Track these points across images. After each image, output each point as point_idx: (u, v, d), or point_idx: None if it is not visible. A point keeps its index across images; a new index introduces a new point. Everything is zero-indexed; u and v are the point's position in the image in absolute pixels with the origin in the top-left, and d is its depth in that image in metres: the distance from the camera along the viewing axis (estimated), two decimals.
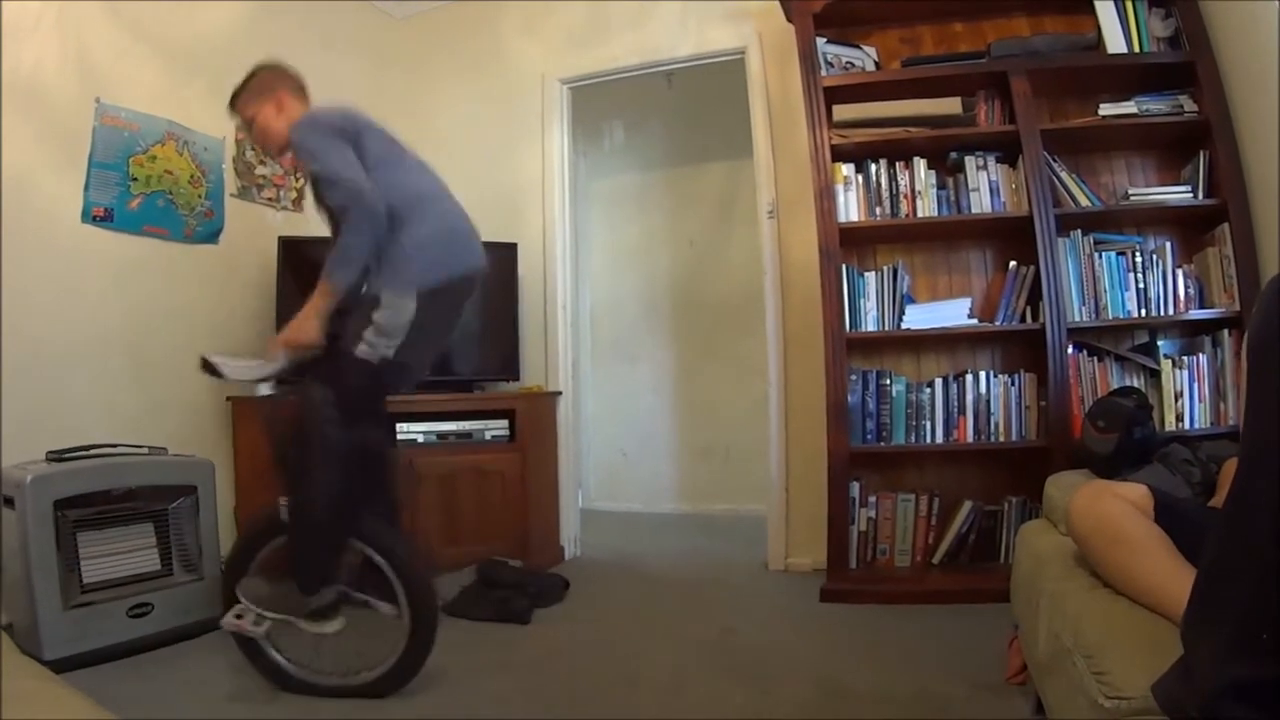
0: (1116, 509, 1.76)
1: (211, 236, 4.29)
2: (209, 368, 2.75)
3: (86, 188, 3.73)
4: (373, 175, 2.68)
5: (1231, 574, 1.12)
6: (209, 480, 3.59)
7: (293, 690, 2.76)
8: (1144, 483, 1.91)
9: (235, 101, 3.02)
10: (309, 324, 2.67)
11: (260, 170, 4.56)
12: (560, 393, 4.96)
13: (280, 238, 4.41)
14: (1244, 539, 1.10)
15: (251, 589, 2.66)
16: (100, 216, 3.77)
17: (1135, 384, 3.61)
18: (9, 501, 3.05)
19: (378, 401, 2.91)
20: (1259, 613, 1.04)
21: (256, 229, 4.52)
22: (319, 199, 2.87)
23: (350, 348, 2.64)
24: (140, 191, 3.92)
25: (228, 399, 4.31)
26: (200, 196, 4.22)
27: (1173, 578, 1.50)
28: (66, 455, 3.22)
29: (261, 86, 2.97)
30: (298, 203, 4.81)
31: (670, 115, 6.48)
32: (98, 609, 3.14)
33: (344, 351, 2.66)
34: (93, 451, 3.31)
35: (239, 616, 2.65)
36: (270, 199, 4.64)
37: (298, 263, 4.38)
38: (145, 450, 3.47)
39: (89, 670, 2.94)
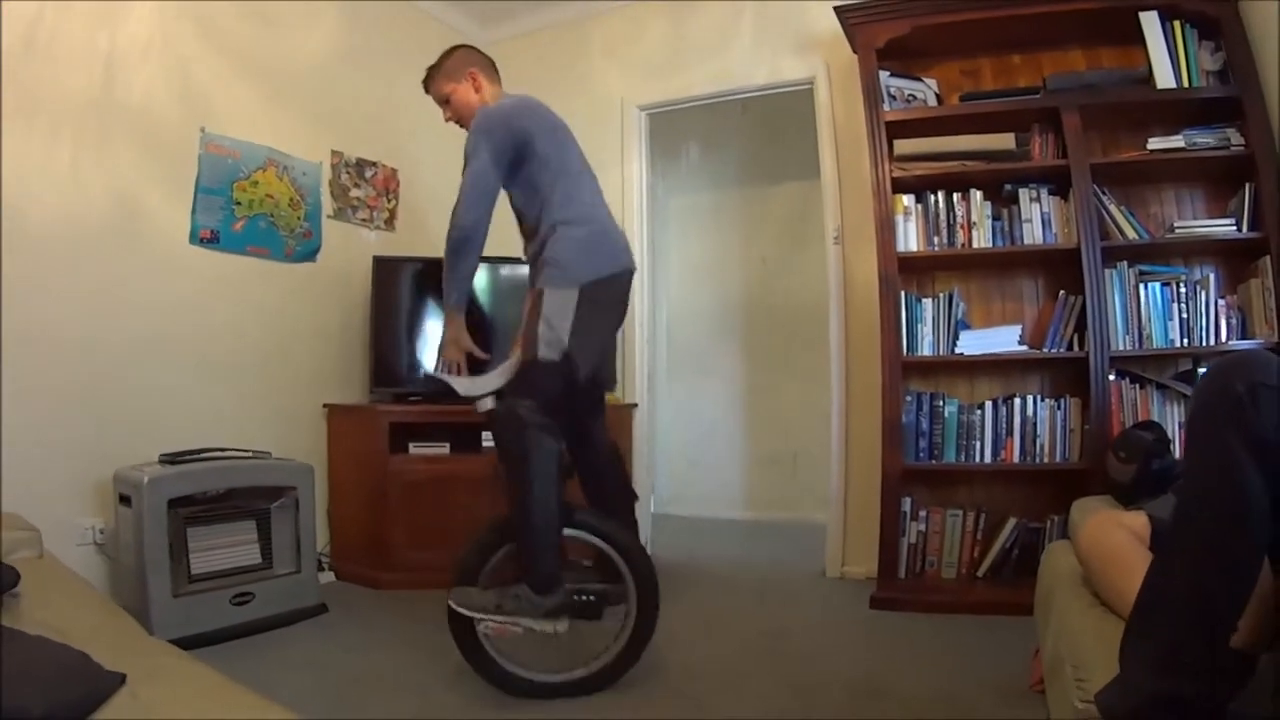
0: (1117, 536, 1.92)
1: (310, 255, 4.56)
2: (439, 382, 3.04)
3: (194, 211, 3.99)
4: (541, 175, 2.97)
5: (1162, 603, 1.33)
6: (309, 482, 3.86)
7: (510, 691, 2.87)
8: (1150, 512, 2.04)
9: (430, 81, 3.30)
10: (452, 334, 3.02)
11: (355, 192, 4.83)
12: (635, 405, 5.16)
13: (375, 257, 4.68)
14: (1173, 575, 1.32)
15: (466, 598, 2.77)
16: (207, 238, 4.04)
17: (1176, 412, 3.73)
18: (125, 500, 3.34)
19: (581, 398, 3.02)
20: (1180, 639, 1.27)
21: (352, 248, 4.79)
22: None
23: (532, 354, 2.84)
24: (243, 215, 4.19)
25: (324, 406, 4.60)
26: (299, 218, 4.49)
27: None
28: (179, 458, 3.50)
29: (456, 66, 3.25)
30: (390, 222, 5.08)
31: (744, 137, 6.61)
32: (203, 597, 3.44)
33: (529, 359, 2.85)
34: (203, 455, 3.59)
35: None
36: (365, 219, 4.91)
37: (390, 279, 4.68)
38: (250, 454, 3.75)
39: (194, 652, 3.14)
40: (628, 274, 3.10)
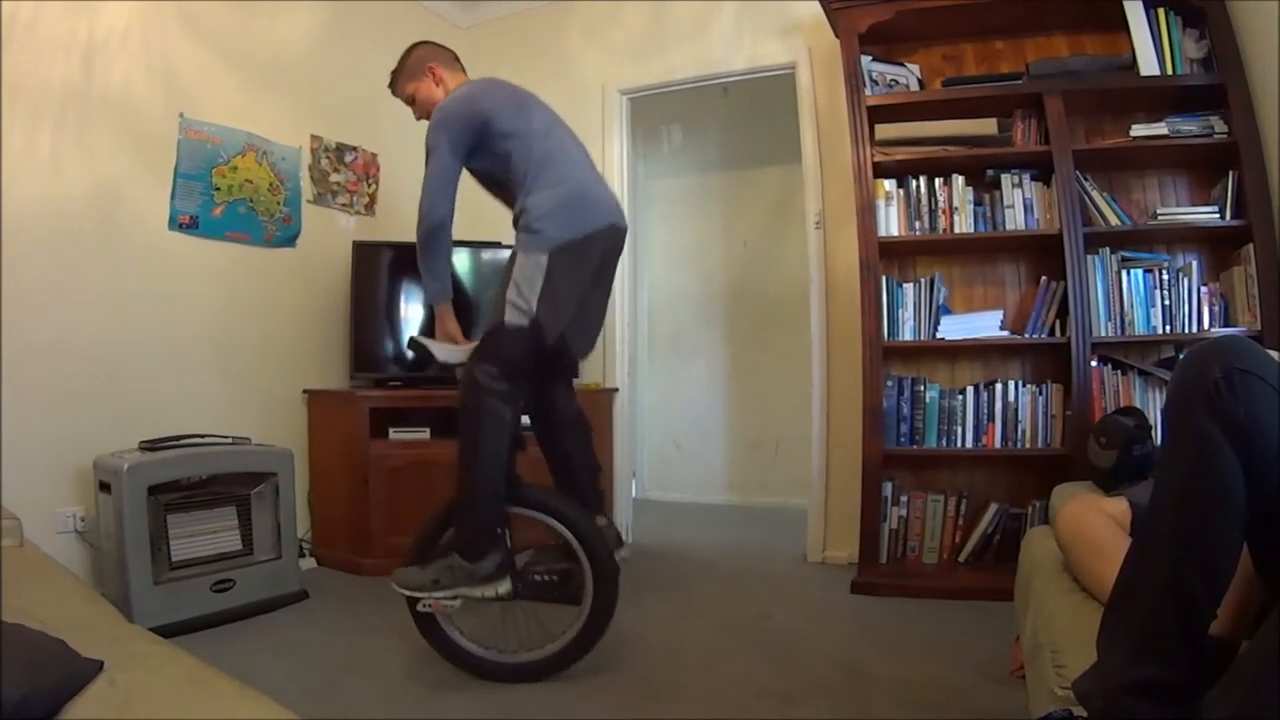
0: (1096, 521, 1.93)
1: (289, 240, 4.53)
2: (421, 348, 3.03)
3: (173, 197, 3.95)
4: (510, 148, 2.96)
5: (1137, 593, 1.33)
6: (289, 468, 3.84)
7: (476, 674, 2.87)
8: (1130, 498, 2.05)
9: (393, 84, 3.31)
10: (448, 330, 3.11)
11: (334, 177, 4.80)
12: (616, 389, 5.16)
13: (354, 242, 4.65)
14: (1148, 565, 1.33)
15: (405, 578, 2.79)
16: (186, 224, 4.00)
17: (1157, 398, 3.73)
18: (105, 487, 3.32)
19: (549, 363, 3.00)
20: (1157, 626, 1.27)
21: (331, 233, 4.76)
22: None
23: (500, 317, 2.80)
24: (223, 200, 4.15)
25: (304, 391, 4.57)
26: (279, 203, 4.46)
27: None
28: (159, 445, 3.48)
29: (415, 65, 3.26)
30: (370, 207, 5.05)
31: (727, 121, 6.61)
32: (184, 584, 3.42)
33: (495, 323, 2.82)
34: (182, 441, 3.56)
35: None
36: (344, 204, 4.88)
37: (370, 264, 4.65)
38: (230, 440, 3.73)
39: (175, 639, 3.13)
40: (612, 231, 3.03)
